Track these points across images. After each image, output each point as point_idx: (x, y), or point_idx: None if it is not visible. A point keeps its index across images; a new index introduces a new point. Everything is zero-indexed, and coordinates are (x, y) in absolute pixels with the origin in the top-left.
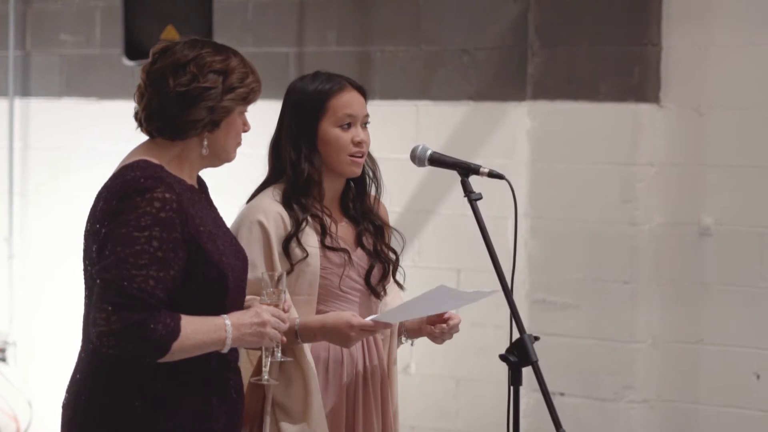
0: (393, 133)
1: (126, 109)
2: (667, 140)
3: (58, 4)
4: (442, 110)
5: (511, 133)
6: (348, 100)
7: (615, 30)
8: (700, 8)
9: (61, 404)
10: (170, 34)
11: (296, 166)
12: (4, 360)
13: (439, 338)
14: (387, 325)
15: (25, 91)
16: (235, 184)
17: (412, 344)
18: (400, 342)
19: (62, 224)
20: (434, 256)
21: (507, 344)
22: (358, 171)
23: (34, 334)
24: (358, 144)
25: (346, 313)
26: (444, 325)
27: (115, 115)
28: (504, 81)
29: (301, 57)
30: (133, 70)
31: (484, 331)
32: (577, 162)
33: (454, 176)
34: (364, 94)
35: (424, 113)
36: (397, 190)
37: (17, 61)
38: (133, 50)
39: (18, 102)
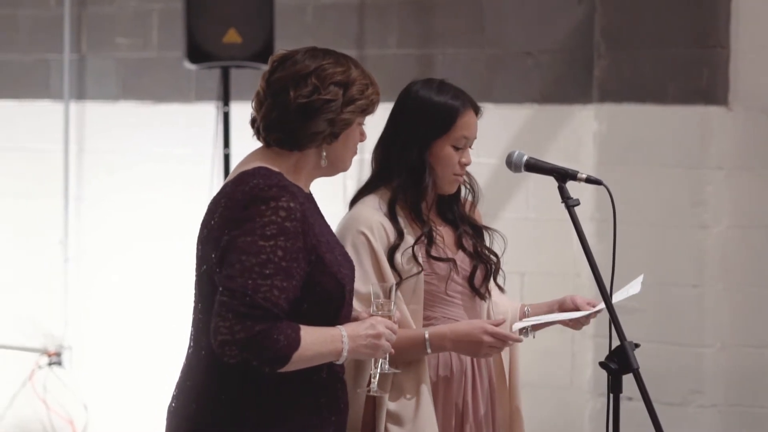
0: None
1: (182, 112)
2: (736, 143)
3: (114, 6)
4: (505, 113)
5: (577, 136)
6: (468, 122)
7: (682, 32)
8: None
9: (167, 409)
10: (232, 37)
11: (420, 177)
12: (59, 363)
13: (578, 324)
14: (518, 339)
15: (81, 95)
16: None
17: (534, 336)
18: (523, 335)
19: (118, 228)
20: None
21: (570, 348)
22: (453, 190)
23: (89, 337)
24: (463, 165)
25: (479, 320)
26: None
27: (172, 118)
28: (569, 83)
29: (361, 60)
30: (190, 73)
31: (546, 335)
32: (644, 165)
33: (516, 180)
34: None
35: (486, 116)
36: None
37: (72, 65)
38: (195, 53)
39: (73, 105)
